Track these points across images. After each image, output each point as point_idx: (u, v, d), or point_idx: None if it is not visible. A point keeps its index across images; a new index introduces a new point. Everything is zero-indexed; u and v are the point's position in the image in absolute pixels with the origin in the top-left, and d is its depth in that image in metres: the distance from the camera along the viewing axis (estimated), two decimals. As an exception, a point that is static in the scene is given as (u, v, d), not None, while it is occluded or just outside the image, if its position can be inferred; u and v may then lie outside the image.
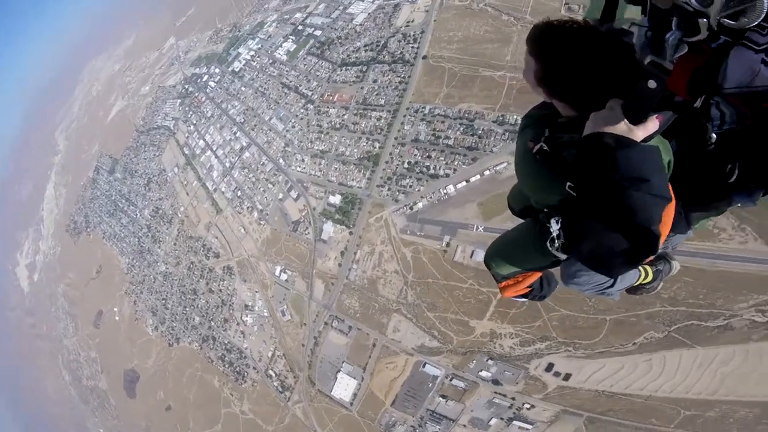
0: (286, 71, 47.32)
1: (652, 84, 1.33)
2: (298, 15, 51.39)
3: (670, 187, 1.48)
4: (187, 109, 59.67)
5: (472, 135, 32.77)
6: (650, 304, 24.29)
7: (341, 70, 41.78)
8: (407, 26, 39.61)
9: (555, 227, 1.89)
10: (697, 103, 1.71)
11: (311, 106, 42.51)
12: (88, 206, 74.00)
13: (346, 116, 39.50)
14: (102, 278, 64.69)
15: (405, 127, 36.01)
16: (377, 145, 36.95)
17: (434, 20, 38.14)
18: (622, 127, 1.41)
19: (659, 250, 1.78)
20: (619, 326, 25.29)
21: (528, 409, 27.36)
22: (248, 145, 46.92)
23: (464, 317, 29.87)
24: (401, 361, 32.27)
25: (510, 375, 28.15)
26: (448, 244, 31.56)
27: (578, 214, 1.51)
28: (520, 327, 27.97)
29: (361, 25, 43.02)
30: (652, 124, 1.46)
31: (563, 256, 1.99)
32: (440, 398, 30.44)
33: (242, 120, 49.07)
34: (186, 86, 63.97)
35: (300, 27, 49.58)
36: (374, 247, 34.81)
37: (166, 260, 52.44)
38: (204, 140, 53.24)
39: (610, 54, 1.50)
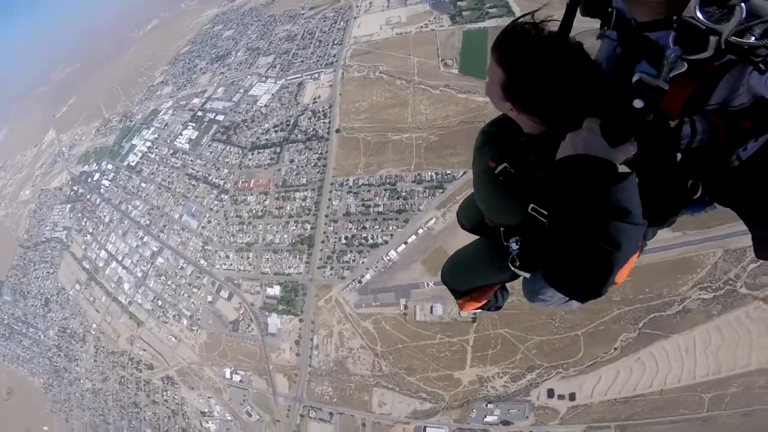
0: (191, 161, 43.61)
1: (638, 103, 1.25)
2: (195, 100, 48.65)
3: None
4: (79, 215, 51.30)
5: (398, 198, 33.23)
6: (608, 310, 25.52)
7: (252, 154, 39.64)
8: (315, 103, 39.57)
9: (515, 247, 1.91)
10: (674, 123, 1.56)
11: (226, 197, 39.23)
12: (-25, 331, 61.27)
13: (267, 202, 37.04)
14: (16, 399, 54.30)
15: (333, 203, 34.88)
16: (308, 226, 35.01)
17: (339, 94, 38.76)
18: (602, 151, 1.31)
19: None
20: (593, 337, 26.08)
21: (552, 438, 26.19)
22: (160, 250, 41.27)
23: (446, 371, 29.27)
24: (400, 433, 30.18)
25: (516, 412, 27.39)
26: (405, 307, 31.08)
27: (553, 242, 1.41)
28: (503, 365, 27.78)
29: (266, 106, 41.94)
30: (632, 147, 1.34)
31: (526, 275, 1.98)
32: (456, 456, 28.19)
33: (148, 222, 43.38)
34: (75, 188, 55.66)
35: (200, 113, 46.75)
36: (331, 328, 32.83)
37: (90, 377, 45.42)
38: (106, 250, 45.78)
39: (584, 65, 1.44)
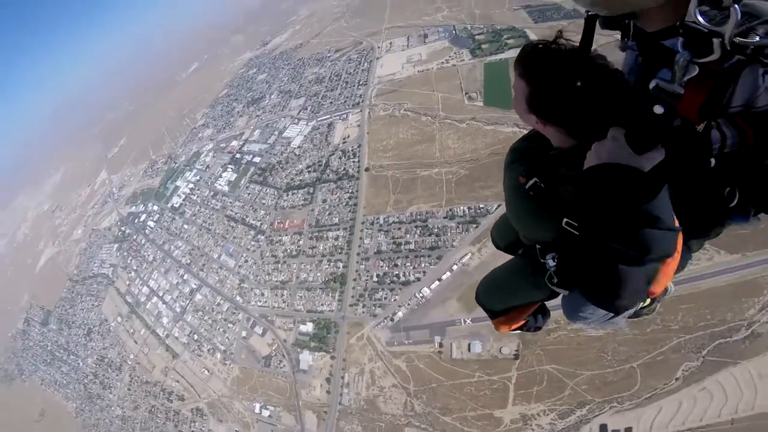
0: (230, 203, 45.95)
1: (658, 110, 1.27)
2: (234, 143, 51.96)
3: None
4: (125, 254, 54.85)
5: (430, 235, 33.02)
6: (666, 340, 23.80)
7: (287, 195, 41.32)
8: (344, 142, 41.17)
9: (551, 264, 1.88)
10: (700, 127, 1.53)
11: (262, 237, 40.73)
12: (20, 356, 65.24)
13: (301, 242, 38.10)
14: (47, 421, 55.54)
15: (365, 242, 35.27)
16: (341, 264, 35.44)
17: (367, 133, 40.04)
18: (627, 158, 1.32)
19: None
20: (651, 369, 24.17)
21: (606, 477, 23.70)
22: (199, 287, 42.99)
23: (486, 410, 27.69)
24: (432, 476, 28.16)
25: (564, 452, 24.91)
26: (441, 345, 30.24)
27: (585, 253, 1.43)
28: (550, 402, 25.98)
29: (299, 147, 44.05)
30: (659, 153, 1.34)
31: (565, 292, 1.94)
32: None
33: (188, 261, 45.59)
34: (122, 228, 59.79)
35: (238, 155, 49.81)
36: (363, 366, 32.34)
37: (122, 404, 46.21)
38: (148, 287, 48.28)
39: (604, 74, 1.46)
